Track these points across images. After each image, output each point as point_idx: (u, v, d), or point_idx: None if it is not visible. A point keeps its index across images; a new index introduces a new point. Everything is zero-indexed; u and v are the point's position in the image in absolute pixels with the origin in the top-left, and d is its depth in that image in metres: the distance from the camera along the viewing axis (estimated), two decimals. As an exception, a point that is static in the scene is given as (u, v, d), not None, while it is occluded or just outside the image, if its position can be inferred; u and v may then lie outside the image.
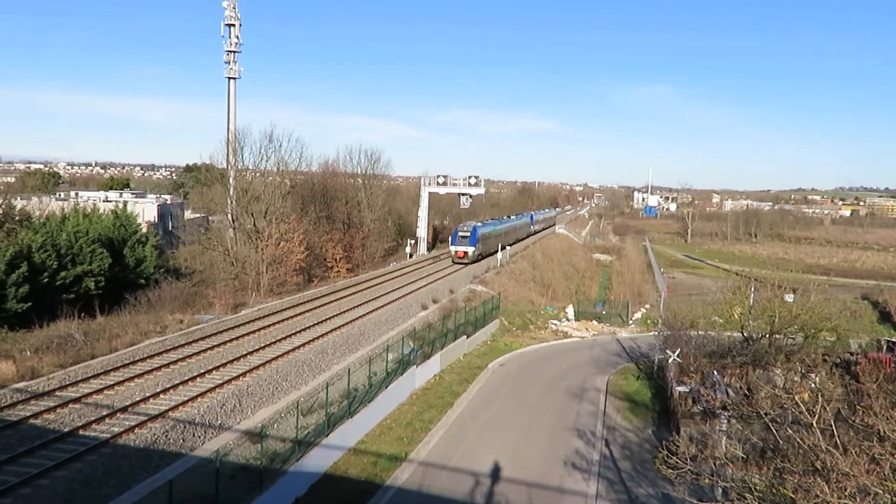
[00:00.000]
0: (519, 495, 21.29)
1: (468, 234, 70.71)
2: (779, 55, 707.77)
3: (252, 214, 52.86)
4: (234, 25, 60.85)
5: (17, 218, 45.89)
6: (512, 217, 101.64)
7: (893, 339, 39.51)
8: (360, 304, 45.73)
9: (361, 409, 25.52)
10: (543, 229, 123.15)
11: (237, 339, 34.87)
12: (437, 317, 41.95)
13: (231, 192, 54.01)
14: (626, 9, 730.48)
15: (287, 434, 22.54)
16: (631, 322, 52.03)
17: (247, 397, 26.52)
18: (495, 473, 22.75)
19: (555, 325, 48.97)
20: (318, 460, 21.80)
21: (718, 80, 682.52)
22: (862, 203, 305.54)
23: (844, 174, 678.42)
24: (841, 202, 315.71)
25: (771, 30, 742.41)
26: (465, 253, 70.25)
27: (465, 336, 39.36)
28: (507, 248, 77.71)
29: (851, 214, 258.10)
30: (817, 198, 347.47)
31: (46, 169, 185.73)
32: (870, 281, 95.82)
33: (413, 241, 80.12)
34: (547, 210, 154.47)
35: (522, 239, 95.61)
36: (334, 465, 22.52)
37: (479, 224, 76.24)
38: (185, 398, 25.49)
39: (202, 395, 26.11)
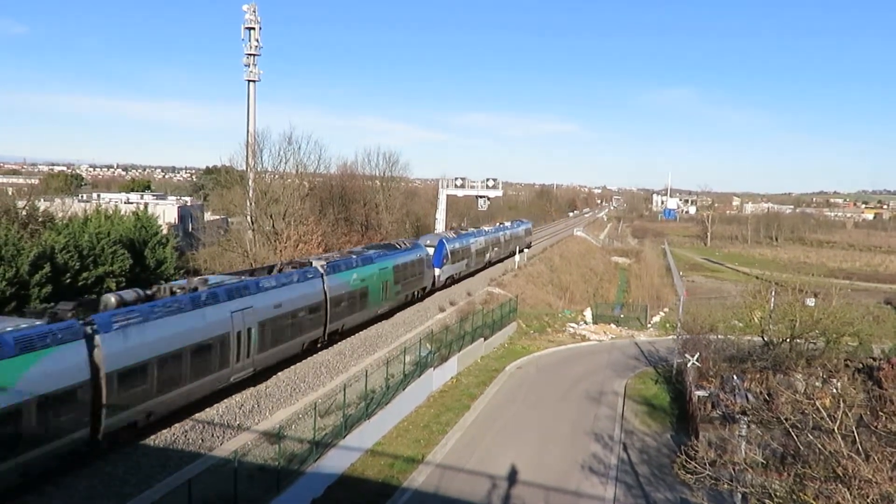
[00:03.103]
0: (536, 499, 21.25)
1: None
2: (802, 58, 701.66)
3: (271, 216, 53.19)
4: (253, 29, 61.33)
5: (40, 219, 46.47)
6: (292, 278, 29.98)
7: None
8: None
9: (379, 411, 25.59)
10: (470, 275, 58.12)
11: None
12: (455, 319, 41.92)
13: (250, 194, 54.43)
14: (650, 12, 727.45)
15: (305, 435, 22.64)
16: (649, 325, 51.72)
17: (265, 398, 26.69)
18: (512, 477, 22.71)
19: (573, 328, 48.80)
20: (335, 461, 21.88)
21: (740, 83, 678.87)
22: (885, 206, 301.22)
23: (867, 177, 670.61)
24: (864, 205, 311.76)
25: (794, 32, 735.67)
26: None
27: (482, 339, 39.31)
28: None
29: (874, 218, 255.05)
30: (839, 201, 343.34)
31: (69, 171, 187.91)
32: (893, 285, 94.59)
33: (430, 244, 79.65)
34: (509, 225, 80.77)
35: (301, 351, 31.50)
36: (351, 466, 22.60)
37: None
38: (205, 398, 25.62)
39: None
